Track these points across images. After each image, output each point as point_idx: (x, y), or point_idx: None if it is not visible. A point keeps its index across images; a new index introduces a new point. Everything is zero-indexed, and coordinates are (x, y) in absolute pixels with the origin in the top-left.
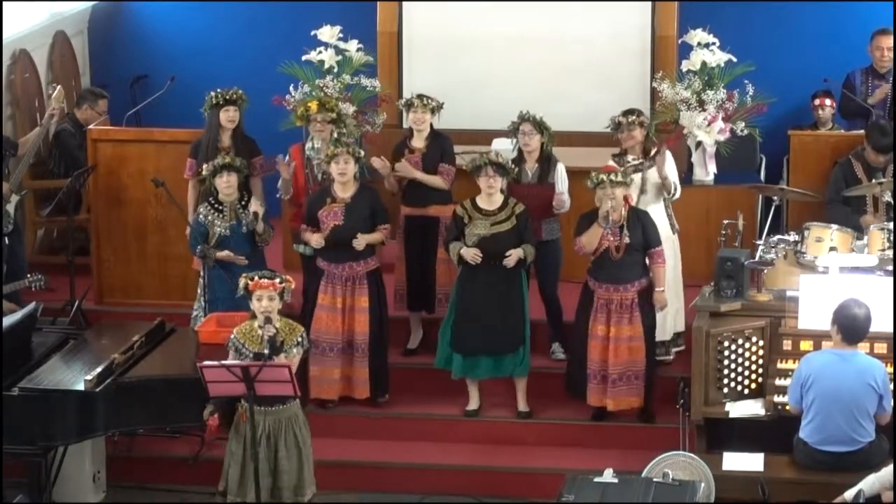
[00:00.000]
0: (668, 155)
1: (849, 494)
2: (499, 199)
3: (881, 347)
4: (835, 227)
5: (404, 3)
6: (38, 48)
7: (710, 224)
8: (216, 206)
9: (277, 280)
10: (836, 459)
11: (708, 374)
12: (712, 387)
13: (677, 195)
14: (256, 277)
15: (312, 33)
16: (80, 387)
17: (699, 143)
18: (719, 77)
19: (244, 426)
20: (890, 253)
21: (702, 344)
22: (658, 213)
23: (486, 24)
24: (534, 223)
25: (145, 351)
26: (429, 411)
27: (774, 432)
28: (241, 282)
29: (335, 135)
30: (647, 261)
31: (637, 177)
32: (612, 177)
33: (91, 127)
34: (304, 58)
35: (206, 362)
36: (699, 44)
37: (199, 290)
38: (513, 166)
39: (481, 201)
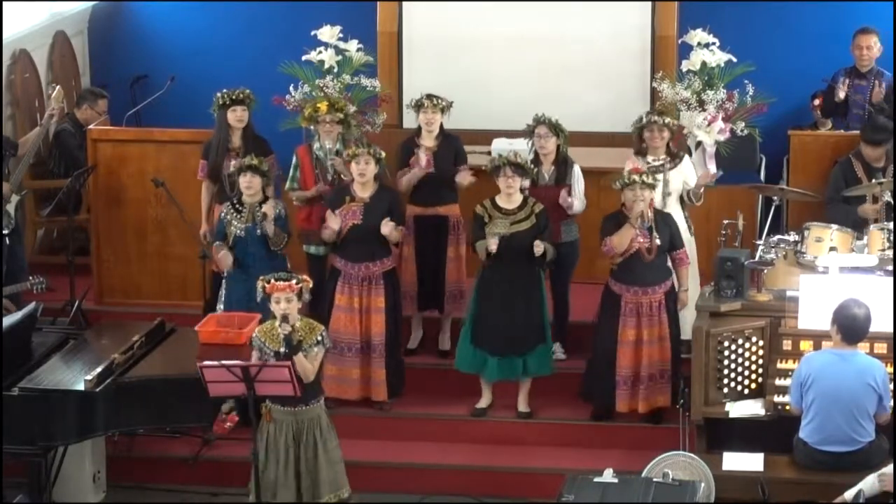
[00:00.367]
0: (689, 160)
1: (849, 494)
2: (518, 198)
3: (881, 347)
4: (835, 227)
5: (404, 3)
6: (38, 48)
7: (710, 224)
8: (237, 206)
9: (294, 281)
10: (836, 459)
11: (708, 374)
12: (712, 387)
13: (701, 202)
14: (273, 280)
15: (312, 33)
16: (80, 387)
17: (699, 143)
18: (719, 77)
19: (266, 426)
20: (890, 253)
21: (702, 344)
22: (677, 215)
23: (486, 24)
24: (552, 225)
25: (145, 351)
26: (429, 411)
27: (774, 432)
28: (259, 284)
29: (340, 136)
30: (671, 262)
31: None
32: (644, 178)
33: (91, 127)
34: (304, 58)
35: (206, 362)
36: (699, 44)
37: (222, 291)
38: (532, 167)
39: (501, 201)
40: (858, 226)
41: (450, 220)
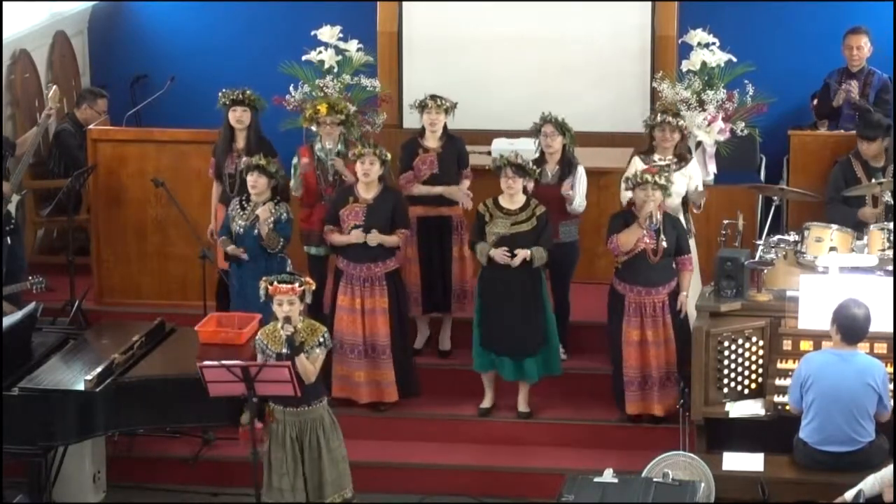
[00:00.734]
0: (696, 163)
1: (849, 495)
2: (521, 199)
3: (881, 347)
4: (835, 227)
5: (404, 3)
6: (38, 48)
7: (710, 224)
8: (243, 203)
9: (297, 284)
10: (836, 459)
11: (708, 374)
12: (712, 387)
13: (701, 210)
14: (276, 282)
15: (312, 33)
16: (80, 387)
17: (699, 143)
18: (719, 77)
19: (272, 426)
20: (890, 253)
21: (702, 344)
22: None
23: (486, 24)
24: (552, 225)
25: (145, 351)
26: (429, 411)
27: (774, 432)
28: (262, 286)
29: (342, 136)
30: (675, 266)
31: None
32: (657, 178)
33: (91, 127)
34: (304, 58)
35: (206, 362)
36: (699, 44)
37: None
38: (534, 167)
39: (503, 200)
40: (858, 226)
41: (453, 221)
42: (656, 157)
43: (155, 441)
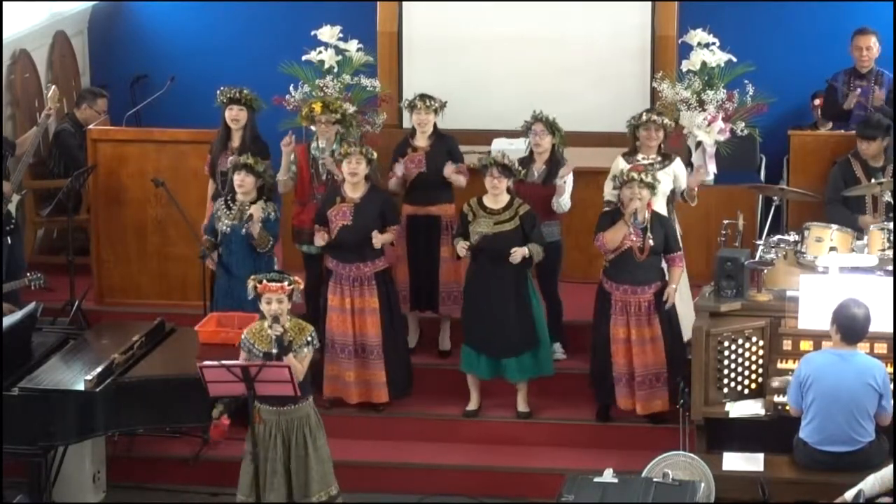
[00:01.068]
0: (680, 161)
1: (849, 495)
2: (504, 198)
3: (881, 347)
4: (835, 227)
5: (404, 3)
6: (38, 48)
7: (710, 224)
8: (229, 202)
9: (286, 283)
10: (836, 459)
11: (708, 374)
12: (712, 387)
13: (696, 202)
14: (265, 280)
15: (312, 33)
16: (80, 387)
17: (699, 143)
18: (719, 77)
19: (258, 427)
20: (890, 253)
21: (702, 344)
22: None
23: (486, 24)
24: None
25: (145, 351)
26: (428, 411)
27: (774, 432)
28: (250, 284)
29: (339, 136)
30: (665, 264)
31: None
32: (643, 177)
33: (91, 127)
34: (304, 58)
35: (206, 362)
36: (699, 44)
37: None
38: (519, 168)
39: (487, 200)
40: (858, 226)
41: (442, 221)
42: (640, 156)
43: (155, 441)
